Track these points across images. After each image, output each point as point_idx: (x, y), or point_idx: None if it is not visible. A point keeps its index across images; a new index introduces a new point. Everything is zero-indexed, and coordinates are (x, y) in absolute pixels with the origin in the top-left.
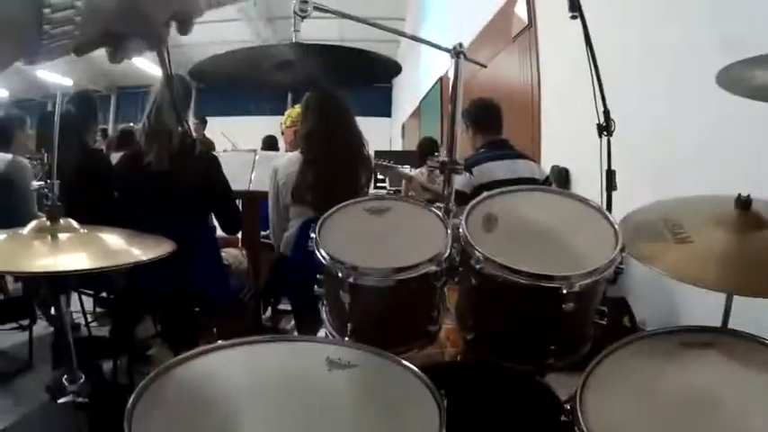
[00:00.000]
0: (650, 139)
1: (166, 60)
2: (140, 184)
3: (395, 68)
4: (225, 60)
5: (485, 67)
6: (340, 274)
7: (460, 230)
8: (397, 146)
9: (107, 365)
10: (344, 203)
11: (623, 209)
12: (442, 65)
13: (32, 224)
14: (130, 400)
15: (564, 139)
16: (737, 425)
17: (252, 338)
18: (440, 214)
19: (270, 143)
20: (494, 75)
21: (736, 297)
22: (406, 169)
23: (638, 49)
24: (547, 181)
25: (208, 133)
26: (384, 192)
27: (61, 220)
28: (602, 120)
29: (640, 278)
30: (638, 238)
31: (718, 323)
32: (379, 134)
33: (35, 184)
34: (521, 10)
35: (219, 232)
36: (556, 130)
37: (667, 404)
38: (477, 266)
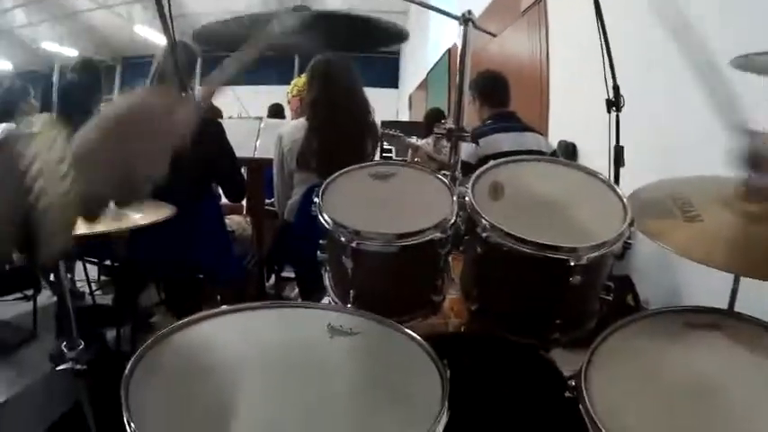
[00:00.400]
0: (655, 118)
1: (170, 28)
2: None
3: (399, 34)
4: (230, 25)
5: (494, 35)
6: (343, 239)
7: (466, 198)
8: (404, 117)
9: (110, 334)
10: (348, 168)
11: (627, 186)
12: (449, 37)
13: None
14: (128, 367)
15: (572, 115)
16: (741, 413)
17: (252, 304)
18: (446, 181)
19: (276, 111)
20: (502, 48)
21: (742, 280)
22: (413, 140)
23: (643, 27)
24: (554, 155)
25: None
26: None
27: None
28: (611, 95)
29: (644, 257)
30: (647, 214)
31: (721, 306)
32: (385, 105)
33: None
34: None
35: (223, 200)
36: (564, 105)
37: (671, 387)
38: (484, 235)
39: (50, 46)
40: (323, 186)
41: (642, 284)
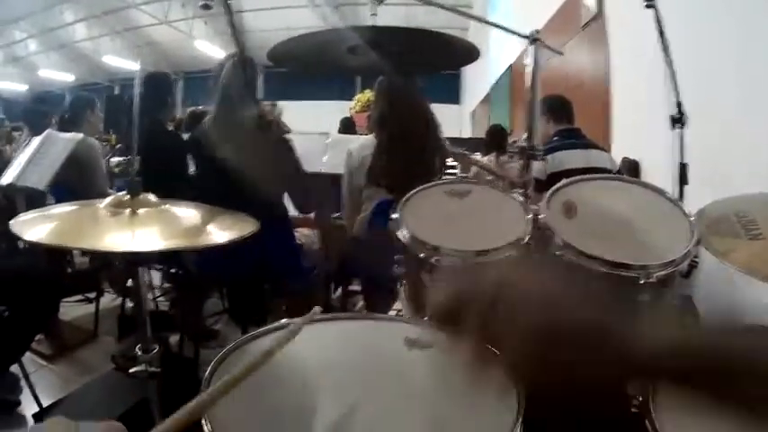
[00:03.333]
0: (719, 134)
1: (242, 45)
2: (212, 164)
3: (473, 52)
4: (302, 43)
5: (561, 53)
6: (422, 255)
7: (540, 216)
8: (467, 133)
9: (173, 339)
10: (425, 186)
11: (691, 203)
12: (511, 53)
13: (110, 198)
14: (207, 372)
15: (635, 131)
16: None
17: (333, 315)
18: (520, 199)
19: (346, 125)
20: (563, 64)
21: None
22: (477, 157)
23: (707, 41)
24: (619, 173)
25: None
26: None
27: (141, 195)
28: (675, 111)
29: (707, 277)
30: (712, 232)
31: None
32: (448, 121)
33: (114, 160)
34: None
35: (292, 212)
36: (627, 122)
37: None
38: (557, 253)
39: (111, 60)
40: (401, 202)
41: (703, 304)
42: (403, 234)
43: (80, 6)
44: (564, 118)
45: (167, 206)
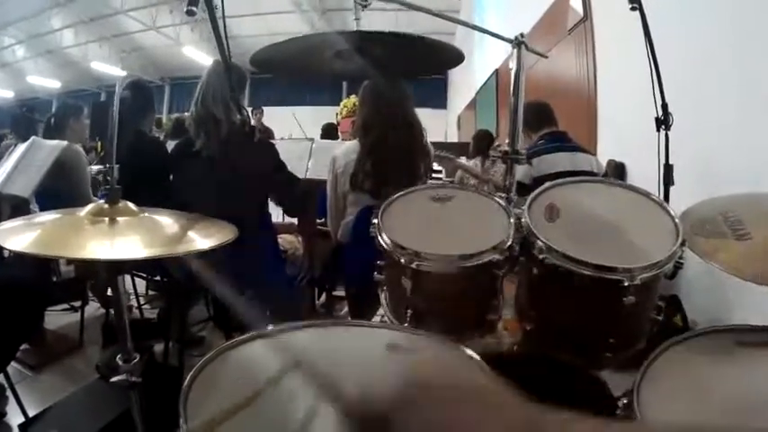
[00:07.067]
0: (705, 135)
1: (226, 50)
2: (194, 171)
3: (458, 57)
4: (285, 48)
5: (546, 57)
6: (402, 260)
7: (523, 220)
8: (453, 137)
9: (158, 347)
10: (407, 191)
11: (677, 204)
12: (497, 57)
13: (90, 207)
14: (186, 382)
15: (621, 134)
16: None
17: (313, 322)
18: (502, 203)
19: (328, 131)
20: (550, 68)
21: None
22: (462, 161)
23: (692, 44)
24: (605, 176)
25: (266, 122)
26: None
27: (120, 204)
28: (660, 113)
29: (693, 277)
30: (698, 233)
31: None
32: (434, 126)
33: (94, 168)
34: (576, 2)
35: (276, 219)
36: (613, 124)
37: (723, 405)
38: (540, 256)
39: (99, 66)
40: (382, 208)
41: (690, 304)
42: (384, 239)
43: (68, 12)
44: (542, 123)
45: (147, 214)
